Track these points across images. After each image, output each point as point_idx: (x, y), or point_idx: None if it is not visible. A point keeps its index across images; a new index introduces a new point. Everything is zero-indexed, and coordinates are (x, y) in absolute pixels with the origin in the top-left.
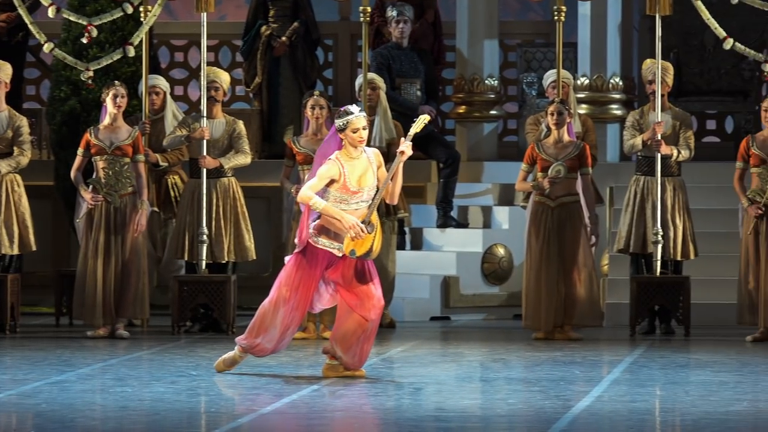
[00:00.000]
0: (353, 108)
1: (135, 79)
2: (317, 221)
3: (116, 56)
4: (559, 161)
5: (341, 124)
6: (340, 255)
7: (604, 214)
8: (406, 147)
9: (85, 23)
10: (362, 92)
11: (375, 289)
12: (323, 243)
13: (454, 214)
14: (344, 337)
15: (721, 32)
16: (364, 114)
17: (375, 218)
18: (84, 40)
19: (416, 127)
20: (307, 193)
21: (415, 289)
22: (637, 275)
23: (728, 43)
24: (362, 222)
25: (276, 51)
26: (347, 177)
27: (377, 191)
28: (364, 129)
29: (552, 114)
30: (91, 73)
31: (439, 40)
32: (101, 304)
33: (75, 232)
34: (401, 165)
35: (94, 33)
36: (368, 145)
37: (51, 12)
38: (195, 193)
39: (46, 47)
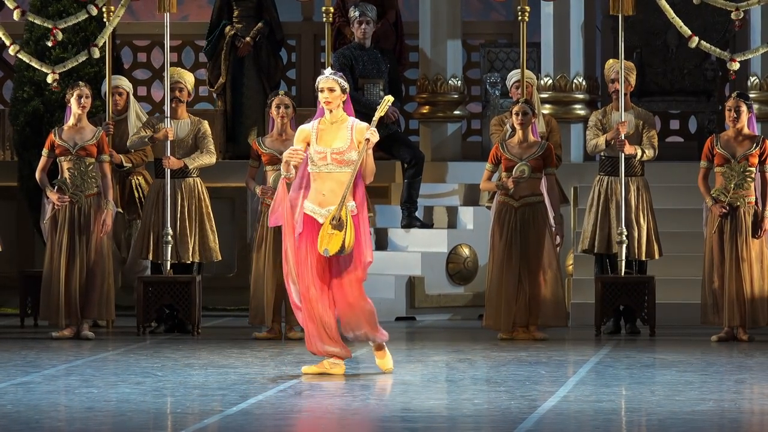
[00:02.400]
0: (327, 70)
1: (98, 79)
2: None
3: (81, 58)
4: (523, 161)
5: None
6: (322, 221)
7: (568, 214)
8: (370, 134)
9: (50, 26)
10: None
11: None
12: (306, 207)
13: (418, 214)
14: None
15: (686, 30)
16: (336, 78)
17: (344, 214)
18: (49, 43)
19: (380, 110)
20: None
21: (380, 289)
22: (602, 275)
23: (693, 42)
24: (332, 220)
25: (240, 51)
26: (316, 137)
27: (345, 188)
28: (330, 90)
29: (517, 114)
30: (57, 76)
31: (401, 41)
32: (66, 304)
33: (39, 233)
34: (370, 151)
35: (60, 36)
36: None
37: (16, 15)
38: (160, 194)
39: (12, 49)
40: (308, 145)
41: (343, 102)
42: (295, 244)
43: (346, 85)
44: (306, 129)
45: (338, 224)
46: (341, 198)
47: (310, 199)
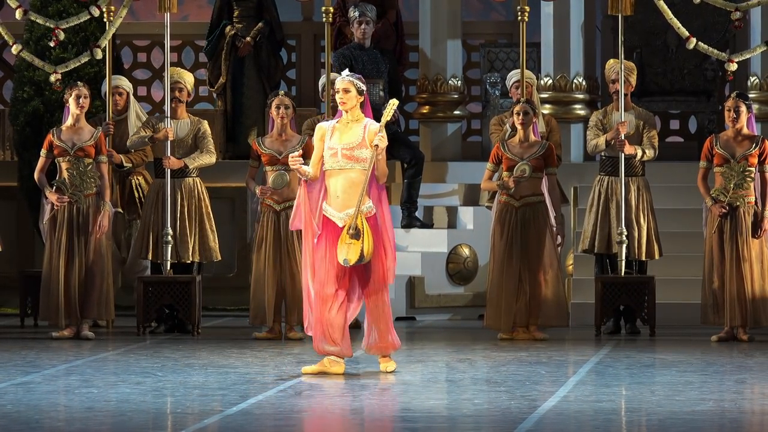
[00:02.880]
0: (345, 71)
1: (98, 79)
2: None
3: (84, 58)
4: (524, 161)
5: None
6: (342, 225)
7: (568, 214)
8: (379, 140)
9: (52, 26)
10: (325, 92)
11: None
12: (325, 210)
13: (418, 214)
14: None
15: (684, 32)
16: (353, 80)
17: (360, 222)
18: (51, 44)
19: (387, 114)
20: None
21: None
22: (602, 275)
23: (691, 43)
24: (349, 230)
25: (240, 51)
26: (331, 135)
27: (359, 196)
28: (345, 91)
29: (518, 113)
30: (59, 76)
31: (401, 41)
32: (65, 305)
33: (39, 233)
34: (382, 155)
35: (62, 36)
36: None
37: (18, 14)
38: (159, 193)
39: (14, 48)
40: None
41: (362, 104)
42: (314, 246)
43: (364, 87)
44: (323, 127)
45: (355, 233)
46: (356, 206)
47: (328, 201)
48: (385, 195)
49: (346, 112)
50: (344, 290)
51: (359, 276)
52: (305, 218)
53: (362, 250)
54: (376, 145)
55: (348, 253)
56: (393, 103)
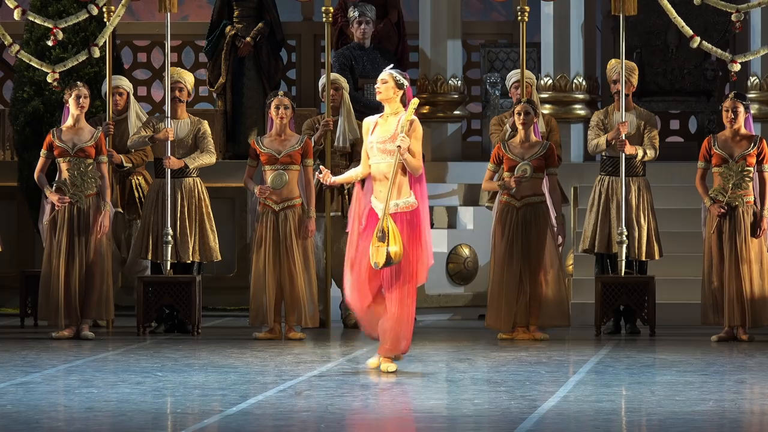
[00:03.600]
0: (388, 67)
1: (98, 79)
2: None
3: (82, 57)
4: (525, 161)
5: None
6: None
7: (568, 214)
8: (401, 140)
9: (51, 26)
10: (325, 93)
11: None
12: (373, 203)
13: None
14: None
15: (688, 31)
16: (393, 73)
17: (386, 225)
18: (50, 43)
19: (409, 113)
20: None
21: None
22: (602, 275)
23: (695, 42)
24: (377, 232)
25: (240, 51)
26: (372, 129)
27: (387, 194)
28: (383, 82)
29: (519, 114)
30: (56, 76)
31: (403, 41)
32: (65, 305)
33: (39, 233)
34: (416, 150)
35: (60, 36)
36: (332, 144)
37: (17, 15)
38: (159, 193)
39: (12, 49)
40: None
41: (402, 97)
42: (359, 238)
43: (403, 81)
44: (368, 122)
45: (382, 236)
46: (384, 206)
47: (375, 195)
48: (424, 191)
49: (384, 102)
50: (369, 279)
51: (389, 278)
52: (354, 217)
53: (388, 253)
54: (398, 146)
55: (376, 256)
56: (414, 102)
